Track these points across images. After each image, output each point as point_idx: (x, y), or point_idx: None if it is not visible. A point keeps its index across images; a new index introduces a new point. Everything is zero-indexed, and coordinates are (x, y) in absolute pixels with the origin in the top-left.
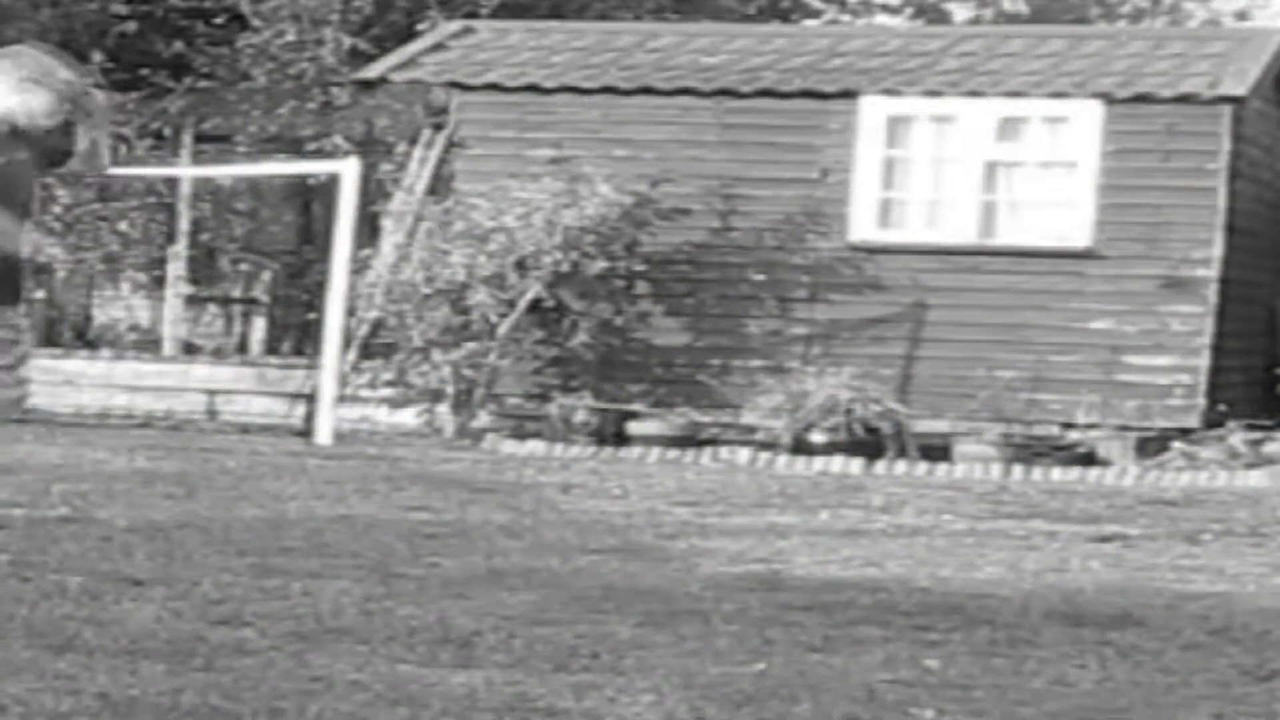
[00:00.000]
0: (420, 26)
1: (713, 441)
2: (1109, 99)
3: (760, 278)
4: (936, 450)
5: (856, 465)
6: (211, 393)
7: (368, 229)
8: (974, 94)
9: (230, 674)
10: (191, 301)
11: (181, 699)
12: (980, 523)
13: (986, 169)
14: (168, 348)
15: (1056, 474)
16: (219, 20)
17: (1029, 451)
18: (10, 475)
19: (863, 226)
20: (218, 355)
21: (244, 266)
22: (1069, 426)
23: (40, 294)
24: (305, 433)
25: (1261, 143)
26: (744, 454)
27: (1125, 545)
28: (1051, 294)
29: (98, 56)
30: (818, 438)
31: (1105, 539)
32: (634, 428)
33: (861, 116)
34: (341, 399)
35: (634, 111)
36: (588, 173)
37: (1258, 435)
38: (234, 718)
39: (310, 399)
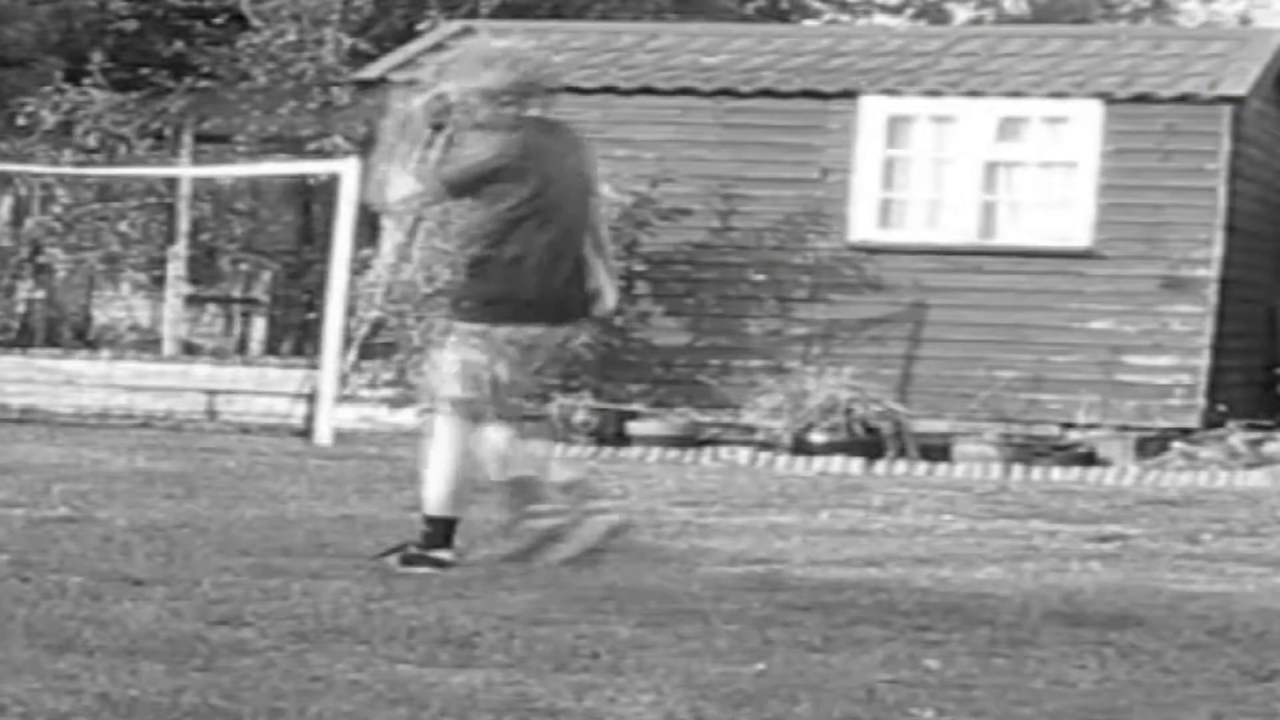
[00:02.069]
0: (420, 27)
1: (713, 441)
2: (1109, 99)
3: (760, 278)
4: (936, 450)
5: (856, 465)
6: (211, 393)
7: (368, 229)
8: (974, 94)
9: (230, 674)
10: (191, 301)
11: (181, 699)
12: (980, 523)
13: (986, 169)
14: (168, 348)
15: (1056, 474)
16: (219, 20)
17: (1029, 451)
18: (10, 475)
19: (863, 226)
20: (218, 355)
21: (244, 266)
22: (1069, 426)
23: (40, 294)
24: (305, 433)
25: (1261, 143)
26: (744, 454)
27: (1125, 545)
28: (1051, 294)
29: (98, 56)
30: (818, 438)
31: (1105, 539)
32: (634, 428)
33: (861, 116)
34: (341, 399)
35: (634, 111)
36: None
37: (1258, 435)
38: (234, 718)
39: (310, 399)
